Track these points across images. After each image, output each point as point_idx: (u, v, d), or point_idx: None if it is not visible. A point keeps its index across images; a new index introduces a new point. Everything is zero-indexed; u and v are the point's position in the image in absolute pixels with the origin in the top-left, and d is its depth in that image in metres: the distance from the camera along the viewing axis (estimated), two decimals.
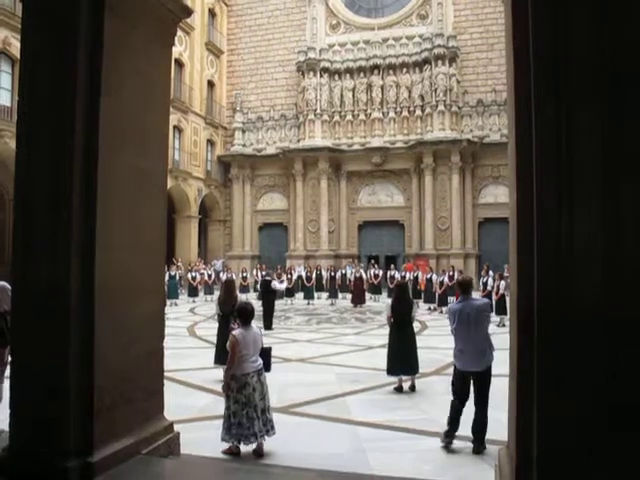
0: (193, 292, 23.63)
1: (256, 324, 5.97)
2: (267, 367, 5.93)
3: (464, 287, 5.90)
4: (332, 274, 23.37)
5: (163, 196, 5.15)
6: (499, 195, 29.20)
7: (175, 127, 28.75)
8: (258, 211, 32.84)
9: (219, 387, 8.29)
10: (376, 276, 23.47)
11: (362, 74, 30.90)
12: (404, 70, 30.29)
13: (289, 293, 22.68)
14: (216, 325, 9.63)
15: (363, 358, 10.58)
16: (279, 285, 15.01)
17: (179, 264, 26.97)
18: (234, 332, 5.64)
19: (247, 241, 32.65)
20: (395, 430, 6.22)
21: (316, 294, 23.78)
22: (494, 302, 15.62)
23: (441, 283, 19.07)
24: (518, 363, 3.40)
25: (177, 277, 22.98)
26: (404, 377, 7.98)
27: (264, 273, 15.74)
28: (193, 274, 23.69)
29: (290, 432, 6.23)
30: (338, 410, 7.07)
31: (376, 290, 23.34)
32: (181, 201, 29.88)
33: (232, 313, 8.50)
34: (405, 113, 30.17)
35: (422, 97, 29.85)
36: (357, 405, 7.30)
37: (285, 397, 7.70)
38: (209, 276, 23.94)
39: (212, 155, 32.85)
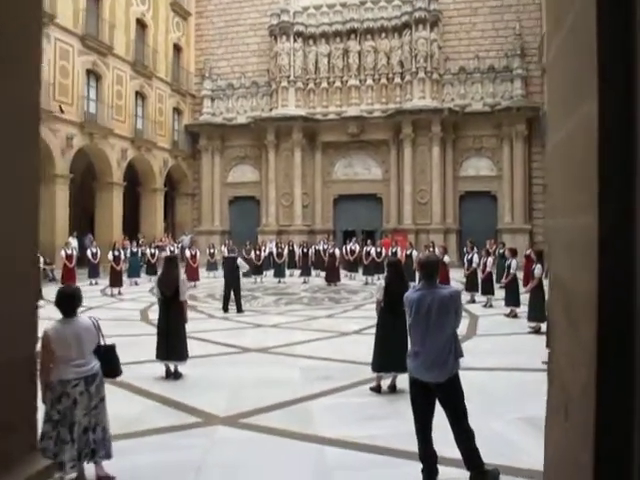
0: (152, 270, 21.94)
1: (87, 315, 4.41)
2: (111, 371, 4.51)
3: (427, 269, 4.21)
4: (305, 250, 21.88)
5: (34, 142, 3.56)
6: (481, 168, 27.95)
7: (137, 93, 26.79)
8: (228, 184, 31.08)
9: (160, 388, 6.87)
10: (352, 252, 22.05)
11: (338, 39, 29.13)
12: (383, 35, 28.58)
13: (258, 271, 21.17)
14: None
15: (334, 347, 9.17)
16: (244, 263, 13.51)
17: (142, 240, 25.26)
18: (46, 327, 4.13)
19: (217, 216, 30.94)
20: (373, 452, 4.81)
21: (288, 271, 22.35)
22: (480, 280, 14.35)
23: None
24: (601, 370, 1.93)
25: (139, 254, 21.27)
26: (384, 374, 6.57)
27: (229, 250, 14.18)
28: (152, 250, 21.97)
29: (233, 453, 4.82)
30: (300, 420, 5.65)
31: (352, 267, 21.97)
32: (145, 173, 28.00)
33: (174, 296, 7.02)
34: (383, 80, 28.54)
35: (401, 64, 28.22)
36: (325, 413, 5.88)
37: (234, 403, 6.25)
38: (171, 252, 22.22)
39: (179, 124, 30.89)
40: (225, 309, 13.09)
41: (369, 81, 28.66)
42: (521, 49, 27.15)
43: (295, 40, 29.09)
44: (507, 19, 27.87)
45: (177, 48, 30.40)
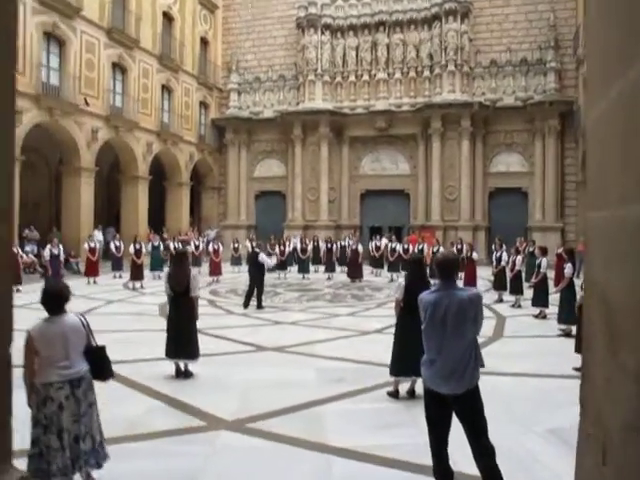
0: None
1: (75, 313, 4.08)
2: (100, 374, 4.15)
3: (444, 269, 3.79)
4: (329, 246, 21.52)
5: (9, 122, 3.29)
6: (512, 163, 27.20)
7: (164, 87, 26.72)
8: (254, 178, 30.88)
9: (169, 388, 6.61)
10: (377, 248, 21.61)
11: (366, 31, 28.63)
12: (412, 27, 27.97)
13: (282, 266, 20.88)
14: None
15: (353, 347, 8.80)
16: (267, 260, 13.19)
17: (166, 234, 25.25)
18: (31, 325, 3.85)
19: (243, 210, 30.77)
20: (386, 465, 4.44)
21: (313, 267, 22.04)
22: (508, 280, 13.81)
23: None
24: None
25: (161, 248, 21.17)
26: (402, 378, 6.19)
27: (253, 244, 13.91)
28: (176, 244, 21.84)
29: (233, 462, 4.51)
30: (310, 427, 5.31)
31: (378, 264, 21.53)
32: (171, 167, 27.97)
33: (185, 292, 6.75)
34: (412, 74, 27.94)
35: (431, 56, 27.59)
36: (337, 419, 5.53)
37: (243, 405, 5.95)
38: (196, 247, 22.12)
39: (206, 118, 30.78)
40: (246, 305, 12.81)
41: (397, 74, 28.10)
42: (555, 41, 26.25)
43: (323, 33, 28.69)
44: (541, 10, 27.00)
45: (204, 41, 30.25)
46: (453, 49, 26.72)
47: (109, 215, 27.13)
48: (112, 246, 19.98)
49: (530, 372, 7.20)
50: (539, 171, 26.18)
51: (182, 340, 6.88)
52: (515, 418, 5.52)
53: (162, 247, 21.76)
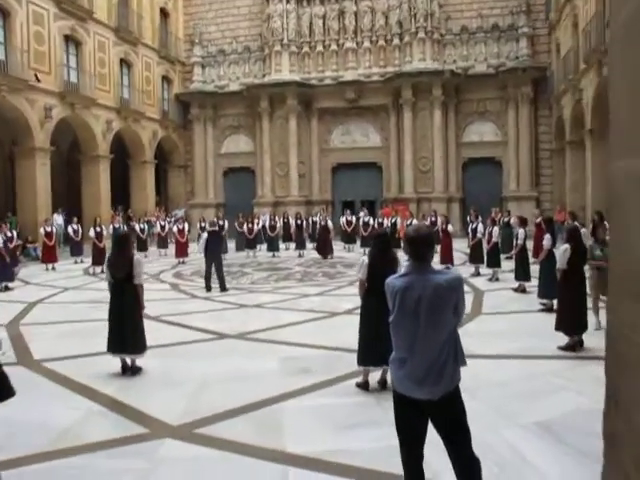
0: (143, 246, 20.92)
1: None
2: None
3: (417, 246, 3.06)
4: (299, 222, 20.79)
5: None
6: (485, 133, 26.70)
7: (122, 60, 25.41)
8: (222, 155, 29.85)
9: (112, 387, 5.89)
10: (349, 223, 20.97)
11: None
12: None
13: (251, 245, 20.15)
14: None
15: (322, 331, 8.16)
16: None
17: (130, 215, 24.28)
18: None
19: (211, 188, 29.81)
20: (349, 476, 3.81)
21: (283, 245, 21.34)
22: (485, 251, 13.27)
23: None
24: None
25: (122, 229, 20.18)
26: (372, 368, 5.55)
27: (209, 223, 13.03)
28: (141, 226, 20.92)
29: (170, 476, 3.82)
30: (267, 430, 4.64)
31: (350, 239, 20.91)
32: (134, 145, 26.77)
33: (127, 279, 5.99)
34: (381, 42, 27.07)
35: (400, 24, 26.71)
36: (298, 418, 4.88)
37: (194, 405, 5.26)
38: (162, 227, 21.22)
39: (169, 94, 29.52)
40: (208, 288, 12.08)
41: (366, 43, 27.21)
42: (527, 6, 25.60)
43: (288, 1, 27.56)
44: None
45: (164, 13, 28.84)
46: (423, 15, 25.88)
47: (70, 197, 25.94)
48: (70, 230, 18.99)
49: (511, 353, 6.62)
50: (513, 140, 25.70)
51: (125, 333, 6.14)
52: (497, 408, 4.93)
53: (123, 229, 20.82)
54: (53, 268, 17.16)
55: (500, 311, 9.27)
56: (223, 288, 11.96)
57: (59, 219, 22.04)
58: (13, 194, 21.90)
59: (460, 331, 3.26)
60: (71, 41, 22.30)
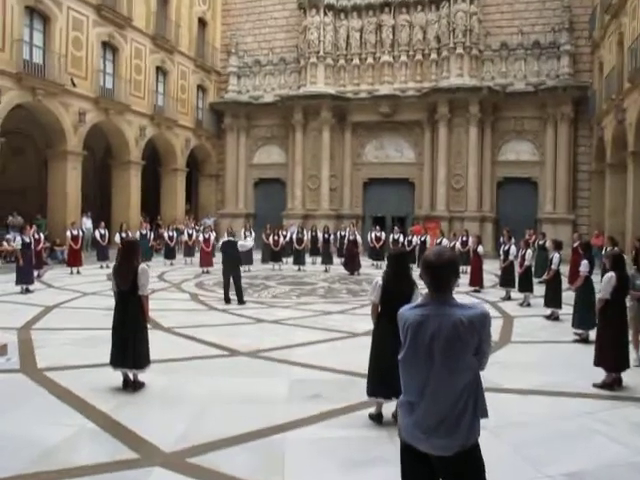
0: (171, 254, 20.87)
1: None
2: None
3: (435, 273, 2.59)
4: (326, 236, 20.41)
5: None
6: (521, 152, 25.99)
7: (158, 68, 25.58)
8: (254, 165, 29.75)
9: (111, 403, 5.57)
10: (378, 239, 20.50)
11: (371, 12, 27.34)
12: (418, 7, 26.70)
13: (276, 257, 19.84)
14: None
15: (338, 352, 7.72)
16: (245, 243, 12.14)
17: (160, 222, 24.27)
18: None
19: (241, 198, 29.68)
20: None
21: (311, 259, 20.98)
22: (517, 275, 12.65)
23: (452, 249, 16.06)
24: None
25: (150, 236, 20.13)
26: (382, 400, 5.10)
27: (228, 233, 12.75)
28: (170, 233, 20.86)
29: None
30: (267, 463, 4.23)
31: (378, 256, 20.41)
32: (166, 152, 26.87)
33: (132, 290, 5.69)
34: (418, 57, 26.69)
35: (438, 39, 26.32)
36: (303, 451, 4.46)
37: (193, 429, 4.89)
38: (189, 236, 21.08)
39: (204, 102, 29.62)
40: (227, 300, 11.76)
41: (403, 57, 26.85)
42: (570, 23, 24.90)
43: (325, 14, 27.44)
44: None
45: (202, 22, 29.02)
46: (462, 31, 25.41)
47: (102, 202, 26.10)
48: (97, 234, 19.00)
49: (541, 388, 6.07)
50: (550, 160, 24.92)
51: (128, 346, 5.82)
52: (523, 453, 4.42)
53: (152, 236, 20.78)
54: (78, 272, 17.13)
55: (531, 340, 8.68)
56: (240, 301, 11.62)
57: (87, 223, 22.11)
58: (45, 197, 22.09)
59: None
60: (108, 47, 22.53)
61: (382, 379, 4.93)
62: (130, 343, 5.82)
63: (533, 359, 7.43)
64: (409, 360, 2.58)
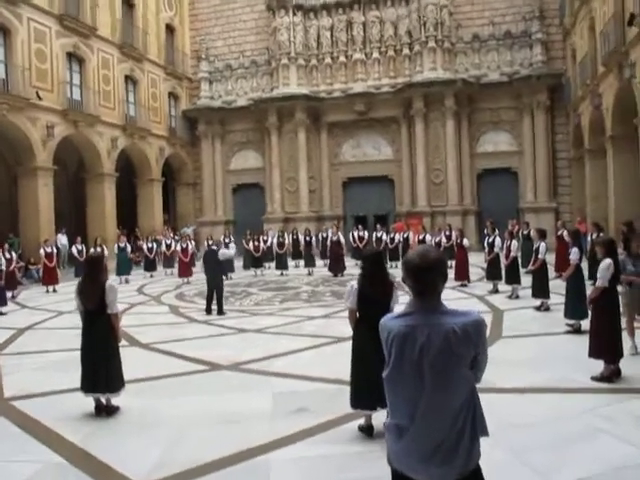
0: (151, 266, 20.40)
1: None
2: None
3: (420, 276, 2.24)
4: (308, 239, 20.06)
5: None
6: (500, 143, 25.86)
7: (127, 77, 25.04)
8: (231, 171, 29.29)
9: (81, 432, 5.16)
10: (361, 239, 20.20)
11: (340, 10, 27.03)
12: (388, 3, 26.43)
13: (257, 263, 19.46)
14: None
15: (323, 360, 7.37)
16: (227, 251, 11.76)
17: (138, 234, 23.74)
18: None
19: (220, 205, 29.21)
20: None
21: (293, 262, 20.61)
22: (503, 267, 12.41)
23: (437, 245, 15.80)
24: None
25: (128, 249, 19.62)
26: (366, 412, 4.78)
27: (210, 242, 12.35)
28: (149, 245, 20.39)
29: None
30: None
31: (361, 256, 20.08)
32: (141, 162, 26.31)
33: (100, 310, 5.29)
34: (391, 53, 26.44)
35: (410, 33, 26.11)
36: (288, 474, 4.12)
37: (168, 456, 4.52)
38: (167, 246, 20.60)
39: (176, 110, 29.09)
40: (208, 311, 11.37)
41: (375, 54, 26.59)
42: (540, 11, 24.83)
43: (294, 14, 27.08)
44: None
45: (170, 29, 28.49)
46: (433, 24, 25.21)
47: (77, 217, 25.48)
48: (74, 250, 18.47)
49: (538, 385, 5.79)
50: (529, 149, 24.83)
51: (98, 370, 5.41)
52: (525, 459, 4.12)
53: (130, 249, 20.26)
54: (54, 290, 16.58)
55: (522, 333, 8.40)
56: (220, 311, 11.22)
57: (63, 239, 21.55)
58: (17, 214, 21.47)
59: None
60: (74, 58, 21.95)
61: (364, 389, 4.61)
62: (101, 366, 5.41)
63: (526, 354, 7.15)
64: (395, 378, 2.25)
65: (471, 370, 2.24)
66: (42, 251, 16.93)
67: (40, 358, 8.19)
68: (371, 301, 4.63)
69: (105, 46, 23.38)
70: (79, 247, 18.34)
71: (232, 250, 12.93)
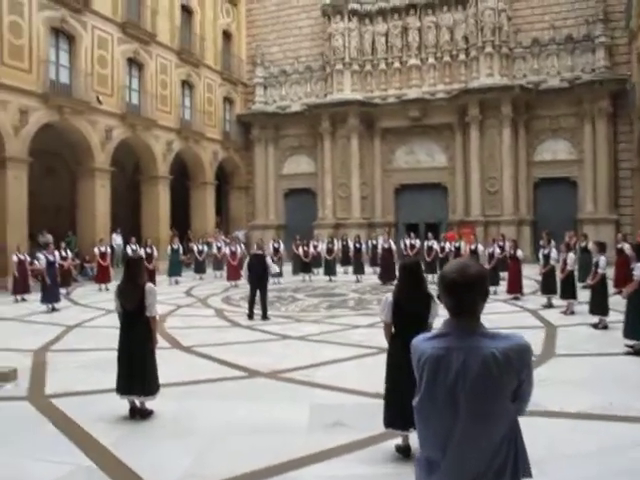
0: (200, 268, 20.64)
1: None
2: None
3: (456, 294, 2.01)
4: (357, 245, 19.83)
5: None
6: (558, 151, 24.95)
7: (184, 82, 25.49)
8: (283, 176, 29.41)
9: (114, 435, 5.13)
10: (412, 247, 19.81)
11: (396, 15, 26.77)
12: (445, 8, 25.98)
13: (306, 268, 19.38)
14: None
15: (365, 372, 7.14)
16: (272, 265, 11.67)
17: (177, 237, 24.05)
18: None
19: (271, 209, 29.36)
20: None
21: (342, 269, 20.45)
22: (559, 281, 11.86)
23: (490, 256, 15.31)
24: None
25: (180, 250, 19.89)
26: (399, 433, 4.54)
27: (257, 246, 12.34)
28: (200, 247, 20.65)
29: None
30: None
31: None
32: (195, 166, 26.73)
33: (138, 312, 5.26)
34: (447, 58, 25.97)
35: (466, 39, 25.58)
36: None
37: (198, 468, 4.41)
38: (218, 249, 20.79)
39: (231, 115, 29.45)
40: (250, 315, 11.32)
41: (431, 60, 26.19)
42: (604, 14, 23.85)
43: (350, 19, 26.98)
44: None
45: (227, 35, 28.91)
46: (490, 29, 24.62)
47: (133, 218, 26.09)
48: (129, 250, 18.85)
49: (591, 411, 5.39)
50: (589, 158, 23.85)
51: (134, 372, 5.39)
52: None
53: (182, 250, 20.55)
54: (107, 288, 16.96)
55: (577, 352, 7.95)
56: (264, 316, 11.16)
57: (118, 239, 22.06)
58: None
59: None
60: (134, 64, 22.51)
61: (398, 409, 4.38)
62: (137, 369, 5.39)
63: (580, 375, 6.72)
64: (426, 406, 2.03)
65: (513, 402, 1.99)
66: (96, 250, 17.39)
67: (83, 356, 8.29)
68: (407, 315, 4.40)
69: (164, 52, 23.90)
70: (133, 247, 18.70)
71: (276, 267, 12.74)
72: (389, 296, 4.67)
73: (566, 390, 6.05)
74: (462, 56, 25.68)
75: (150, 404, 5.61)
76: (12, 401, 6.19)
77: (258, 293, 11.44)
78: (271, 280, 14.19)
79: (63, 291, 14.90)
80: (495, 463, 1.92)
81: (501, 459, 1.93)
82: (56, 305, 13.20)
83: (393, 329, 4.67)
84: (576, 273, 12.14)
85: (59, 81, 19.16)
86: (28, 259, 15.20)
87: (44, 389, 6.60)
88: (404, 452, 4.51)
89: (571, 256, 11.60)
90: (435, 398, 1.99)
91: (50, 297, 13.11)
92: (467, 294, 2.01)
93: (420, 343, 2.11)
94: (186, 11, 25.72)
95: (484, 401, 1.92)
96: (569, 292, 11.39)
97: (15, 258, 14.94)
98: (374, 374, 6.86)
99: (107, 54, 20.92)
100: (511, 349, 1.95)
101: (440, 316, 3.86)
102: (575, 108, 24.18)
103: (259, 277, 11.31)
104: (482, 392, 1.92)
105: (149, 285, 5.54)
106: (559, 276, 11.84)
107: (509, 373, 1.93)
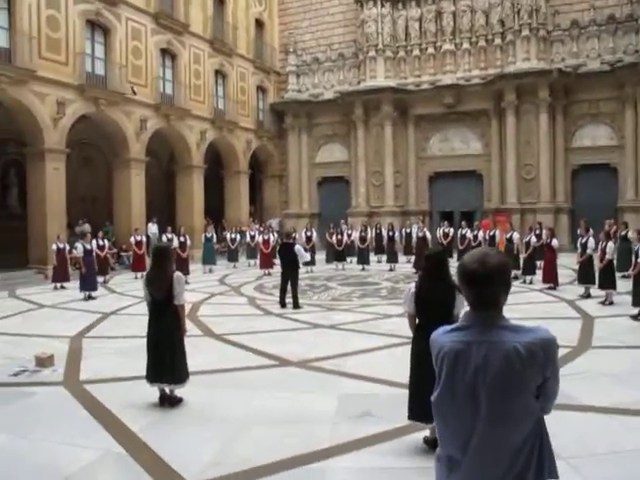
0: (233, 257, 20.79)
1: None
2: None
3: (476, 285, 1.94)
4: (391, 234, 19.67)
5: None
6: (598, 137, 24.21)
7: (217, 72, 25.60)
8: (316, 164, 29.35)
9: (143, 422, 5.20)
10: (446, 235, 19.56)
11: (430, 0, 26.29)
12: None
13: (339, 257, 19.34)
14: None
15: (394, 361, 7.04)
16: (303, 253, 11.64)
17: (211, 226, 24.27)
18: None
19: (305, 197, 29.37)
20: None
21: (376, 257, 20.35)
22: (597, 271, 11.54)
23: (527, 244, 15.02)
24: None
25: (214, 239, 20.07)
26: (424, 425, 4.47)
27: (286, 235, 12.33)
28: (233, 235, 20.80)
29: None
30: None
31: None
32: (228, 155, 26.89)
33: (167, 300, 5.31)
34: (482, 43, 25.42)
35: (502, 22, 24.95)
36: None
37: (225, 455, 4.43)
38: (252, 237, 20.89)
39: (264, 103, 29.49)
40: (282, 304, 11.36)
41: (465, 44, 25.67)
42: None
43: (383, 5, 26.60)
44: None
45: (259, 23, 28.89)
46: (527, 12, 23.96)
47: (169, 207, 26.44)
48: (164, 239, 19.11)
49: (629, 406, 5.21)
50: (631, 143, 23.08)
51: (164, 360, 5.46)
52: None
53: (216, 239, 20.73)
54: (142, 277, 17.18)
55: (615, 344, 7.73)
56: (296, 305, 11.18)
57: (153, 228, 22.37)
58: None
59: (563, 371, 2.16)
60: (167, 54, 22.69)
61: (422, 401, 4.30)
62: (167, 357, 5.46)
63: (618, 368, 6.52)
64: (445, 403, 1.98)
65: (537, 399, 1.92)
66: (132, 239, 17.68)
67: (117, 344, 8.45)
68: (430, 305, 4.32)
69: (197, 42, 24.01)
70: (169, 236, 18.94)
71: (307, 255, 12.68)
72: (412, 287, 4.60)
73: (601, 383, 5.89)
74: (498, 40, 25.09)
75: (180, 392, 5.67)
76: (49, 386, 6.35)
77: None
78: (304, 268, 14.21)
79: (100, 279, 15.21)
80: (517, 465, 1.85)
81: (524, 460, 1.85)
82: (93, 293, 13.48)
83: (417, 320, 4.58)
84: (615, 263, 11.78)
85: (94, 73, 19.44)
86: (67, 248, 15.55)
87: (79, 375, 6.75)
88: (432, 444, 4.43)
89: (610, 245, 11.25)
90: (454, 394, 1.94)
91: (88, 285, 13.39)
92: (488, 286, 1.94)
93: (439, 336, 2.06)
94: (218, 0, 25.75)
95: (506, 398, 1.85)
96: (608, 282, 11.08)
97: (54, 247, 15.29)
98: (404, 364, 6.78)
99: (141, 45, 21.13)
100: (535, 343, 1.88)
101: (467, 307, 3.79)
102: (616, 92, 23.40)
103: (289, 266, 11.32)
104: (504, 388, 1.85)
105: (177, 274, 5.58)
106: (598, 265, 11.53)
107: (532, 367, 1.86)
